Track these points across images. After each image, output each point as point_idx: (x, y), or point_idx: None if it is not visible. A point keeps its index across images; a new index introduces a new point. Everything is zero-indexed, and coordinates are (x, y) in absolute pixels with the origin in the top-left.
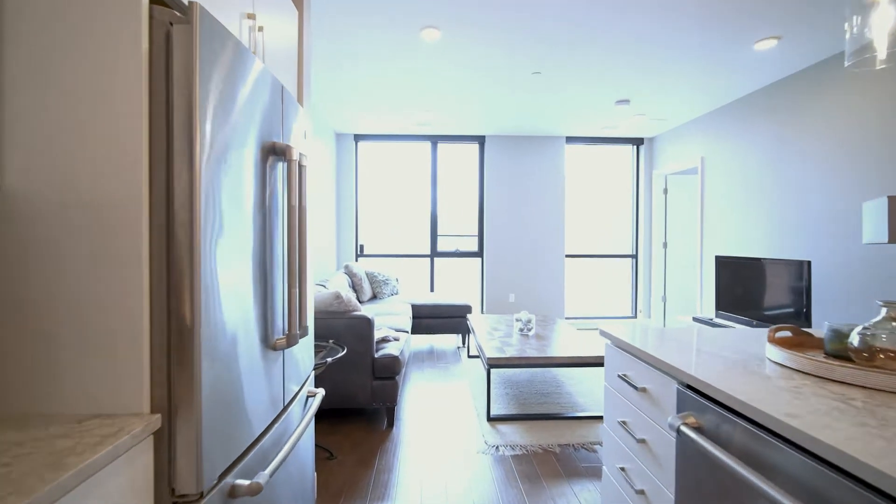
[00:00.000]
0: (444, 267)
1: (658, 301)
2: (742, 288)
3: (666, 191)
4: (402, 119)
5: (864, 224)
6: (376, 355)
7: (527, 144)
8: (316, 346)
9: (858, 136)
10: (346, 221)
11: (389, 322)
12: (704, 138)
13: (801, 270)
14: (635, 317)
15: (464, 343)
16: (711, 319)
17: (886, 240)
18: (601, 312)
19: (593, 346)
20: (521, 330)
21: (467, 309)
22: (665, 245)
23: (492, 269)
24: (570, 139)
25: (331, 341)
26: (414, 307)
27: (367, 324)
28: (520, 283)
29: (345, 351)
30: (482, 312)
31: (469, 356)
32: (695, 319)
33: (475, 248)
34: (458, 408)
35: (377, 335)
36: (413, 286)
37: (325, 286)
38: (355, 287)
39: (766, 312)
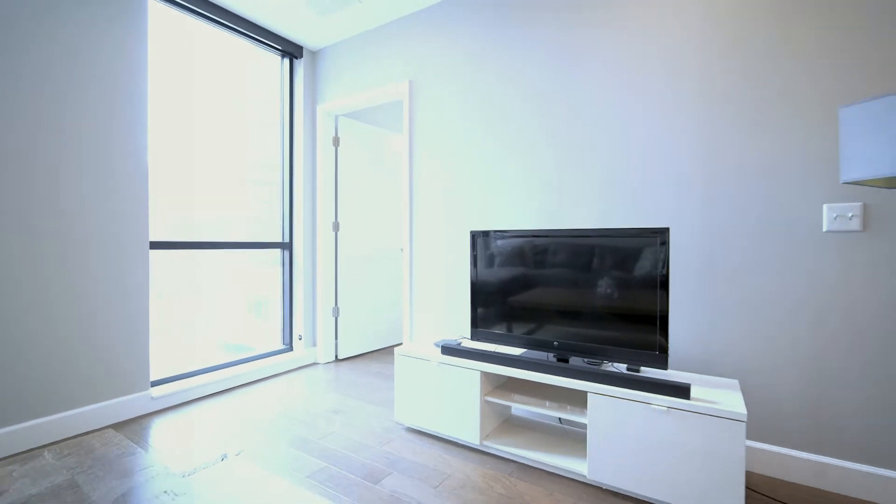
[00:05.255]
0: None
1: (329, 316)
2: (530, 287)
3: (337, 140)
4: None
5: (845, 150)
6: None
7: None
8: None
9: (694, 31)
10: None
11: None
12: (418, 48)
13: (652, 247)
14: (290, 348)
15: None
16: (459, 344)
17: None
18: (226, 353)
19: None
20: None
21: None
22: (336, 226)
23: None
24: None
25: None
26: None
27: None
28: (16, 324)
29: None
30: None
31: None
32: (445, 350)
33: None
34: None
35: None
36: None
37: None
38: None
39: (576, 331)
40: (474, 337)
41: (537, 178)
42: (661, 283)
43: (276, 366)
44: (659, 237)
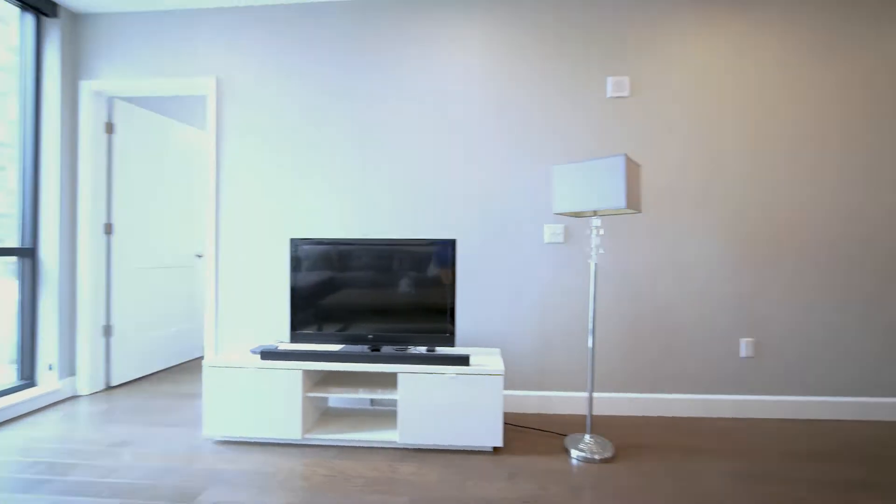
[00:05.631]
0: None
1: (97, 336)
2: (346, 288)
3: (111, 127)
4: None
5: (554, 192)
6: None
7: None
8: None
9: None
10: None
11: None
12: (227, 44)
13: (444, 253)
14: (33, 382)
15: None
16: (277, 348)
17: (620, 204)
18: None
19: None
20: None
21: None
22: (109, 229)
23: None
24: None
25: None
26: None
27: None
28: None
29: None
30: None
31: None
32: (265, 356)
33: None
34: None
35: None
36: None
37: None
38: None
39: (387, 324)
40: (294, 339)
41: (351, 188)
42: (450, 283)
43: (10, 409)
44: (449, 246)
